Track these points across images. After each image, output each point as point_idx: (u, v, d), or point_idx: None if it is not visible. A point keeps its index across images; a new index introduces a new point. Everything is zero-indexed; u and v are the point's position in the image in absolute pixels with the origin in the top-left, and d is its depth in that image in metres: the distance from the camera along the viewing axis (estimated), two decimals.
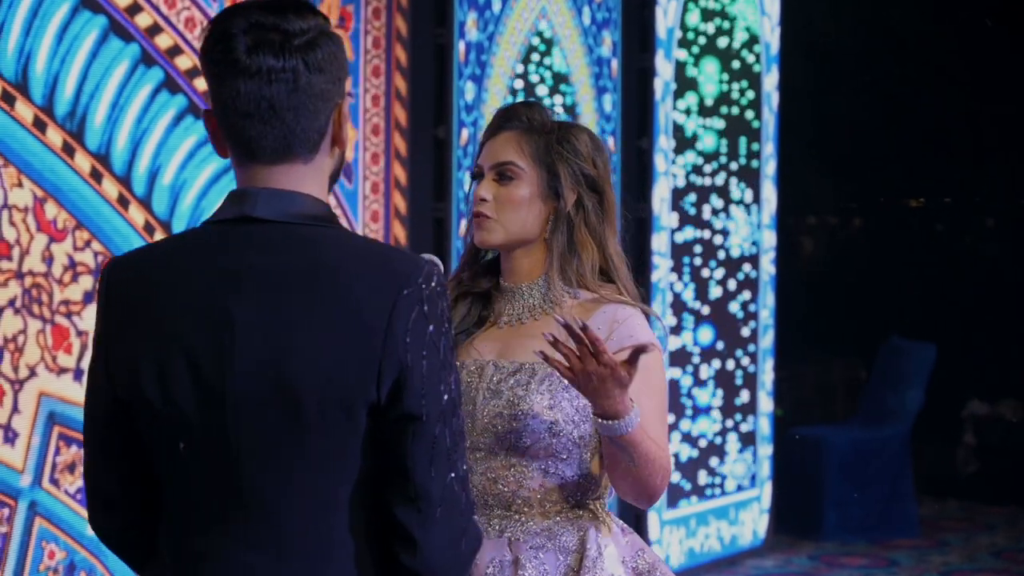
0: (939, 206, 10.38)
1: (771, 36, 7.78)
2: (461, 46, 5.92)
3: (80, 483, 4.53)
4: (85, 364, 4.45)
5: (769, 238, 7.82)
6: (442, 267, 2.18)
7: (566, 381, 2.80)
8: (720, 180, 7.46)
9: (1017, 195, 10.05)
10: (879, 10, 9.85)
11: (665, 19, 7.03)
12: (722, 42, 7.43)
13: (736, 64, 7.53)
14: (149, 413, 2.16)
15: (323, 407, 2.09)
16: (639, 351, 2.69)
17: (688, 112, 7.24)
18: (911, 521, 8.44)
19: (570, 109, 6.50)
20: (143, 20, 4.72)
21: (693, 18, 7.24)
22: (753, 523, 7.80)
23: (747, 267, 7.65)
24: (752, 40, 7.62)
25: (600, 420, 2.75)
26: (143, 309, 2.17)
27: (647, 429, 2.82)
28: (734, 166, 7.55)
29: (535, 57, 6.32)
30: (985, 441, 9.58)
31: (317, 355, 2.08)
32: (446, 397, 2.13)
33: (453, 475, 2.13)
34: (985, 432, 9.62)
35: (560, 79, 6.44)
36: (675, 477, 7.22)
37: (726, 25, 7.44)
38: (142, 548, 2.29)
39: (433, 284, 2.13)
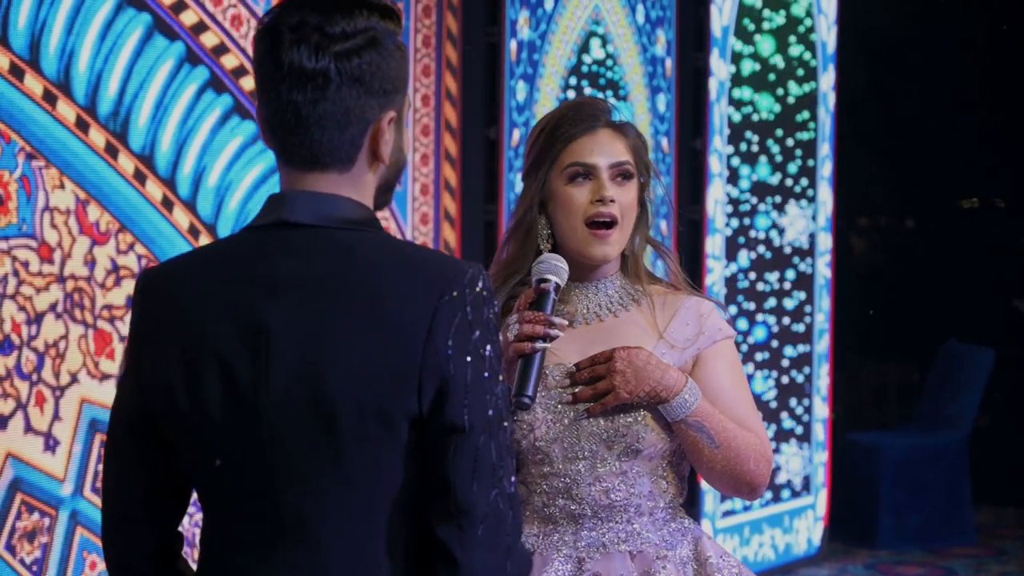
0: (996, 208, 10.24)
1: (827, 35, 7.65)
2: (513, 45, 5.81)
3: None
4: None
5: (825, 240, 7.69)
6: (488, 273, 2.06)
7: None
8: (775, 182, 7.34)
9: None
10: (940, 8, 9.72)
11: (720, 17, 6.91)
12: (779, 40, 7.31)
13: (793, 62, 7.41)
14: (183, 427, 2.06)
15: (361, 419, 1.98)
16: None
17: (743, 112, 7.12)
18: (968, 529, 8.32)
19: (623, 107, 6.39)
20: (188, 18, 4.63)
21: (749, 15, 7.12)
22: (808, 531, 7.68)
23: (803, 269, 7.53)
24: (809, 38, 7.50)
25: (664, 407, 2.74)
26: (176, 319, 2.07)
27: (744, 417, 2.81)
28: (790, 168, 7.42)
29: (588, 56, 6.21)
30: None
31: (354, 364, 1.98)
32: (491, 409, 2.01)
33: (497, 492, 2.01)
34: None
35: (613, 78, 6.33)
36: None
37: (782, 21, 7.32)
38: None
39: (478, 289, 2.01)
